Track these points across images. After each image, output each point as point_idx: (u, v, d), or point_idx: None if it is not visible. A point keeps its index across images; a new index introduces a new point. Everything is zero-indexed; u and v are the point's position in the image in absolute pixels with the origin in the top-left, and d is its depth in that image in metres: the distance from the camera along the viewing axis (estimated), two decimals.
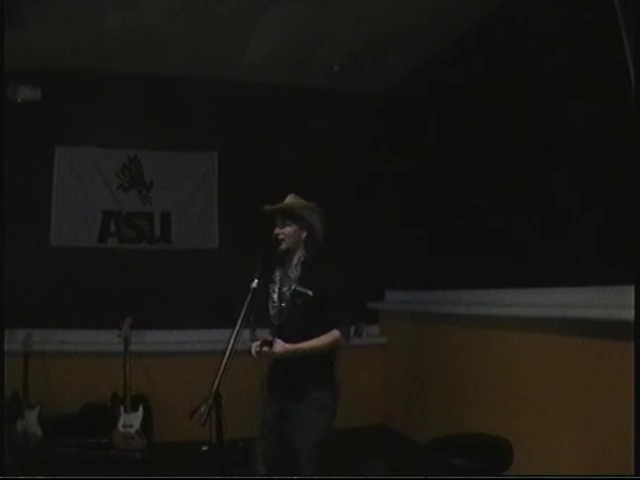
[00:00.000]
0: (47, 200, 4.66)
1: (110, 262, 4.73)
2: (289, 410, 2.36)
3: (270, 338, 2.30)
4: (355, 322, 5.02)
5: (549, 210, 3.20)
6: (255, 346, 2.32)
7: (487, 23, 3.79)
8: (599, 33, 2.78)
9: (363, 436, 4.55)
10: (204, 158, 5.04)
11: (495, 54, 3.70)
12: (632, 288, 2.09)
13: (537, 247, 3.27)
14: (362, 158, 5.25)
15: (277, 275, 2.48)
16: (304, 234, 2.47)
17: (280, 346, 2.28)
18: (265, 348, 2.26)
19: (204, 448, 3.91)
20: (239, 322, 2.08)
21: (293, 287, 2.41)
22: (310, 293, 2.38)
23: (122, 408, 4.03)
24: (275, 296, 2.44)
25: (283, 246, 2.45)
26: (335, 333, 2.37)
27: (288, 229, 2.46)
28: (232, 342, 2.03)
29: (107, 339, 4.30)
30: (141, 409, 4.08)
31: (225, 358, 2.00)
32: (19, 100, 4.43)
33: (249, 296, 2.17)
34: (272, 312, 2.44)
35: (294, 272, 2.45)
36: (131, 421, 4.01)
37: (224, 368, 1.99)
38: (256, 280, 2.24)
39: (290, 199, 2.52)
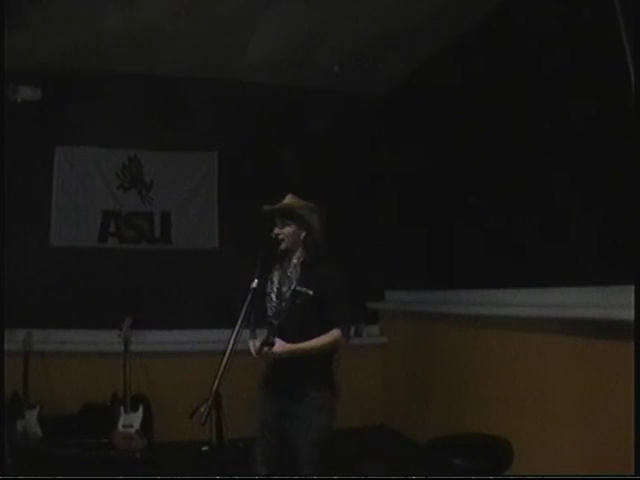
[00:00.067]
0: (47, 200, 4.66)
1: (110, 262, 4.73)
2: (289, 410, 2.36)
3: (271, 338, 2.30)
4: (355, 322, 5.02)
5: (549, 210, 3.20)
6: (254, 344, 2.32)
7: (487, 23, 3.79)
8: (599, 33, 2.78)
9: (363, 436, 4.55)
10: (204, 158, 5.04)
11: (495, 54, 3.70)
12: (632, 288, 2.09)
13: (537, 247, 3.27)
14: (362, 158, 5.25)
15: (276, 275, 2.48)
16: (303, 234, 2.48)
17: (281, 346, 2.27)
18: (266, 348, 2.26)
19: (204, 448, 3.91)
20: (239, 322, 2.08)
21: (293, 287, 2.41)
22: (311, 292, 2.38)
23: (122, 408, 4.03)
24: (274, 296, 2.44)
25: (283, 246, 2.45)
26: (336, 333, 2.37)
27: (288, 229, 2.46)
28: (232, 342, 2.03)
29: (107, 339, 4.30)
30: (141, 409, 4.08)
31: (225, 358, 2.00)
32: (19, 100, 4.43)
33: (249, 296, 2.17)
34: (271, 312, 2.44)
35: (294, 272, 2.45)
36: (131, 421, 4.01)
37: (224, 368, 1.99)
38: (256, 280, 2.24)
39: (289, 199, 2.52)
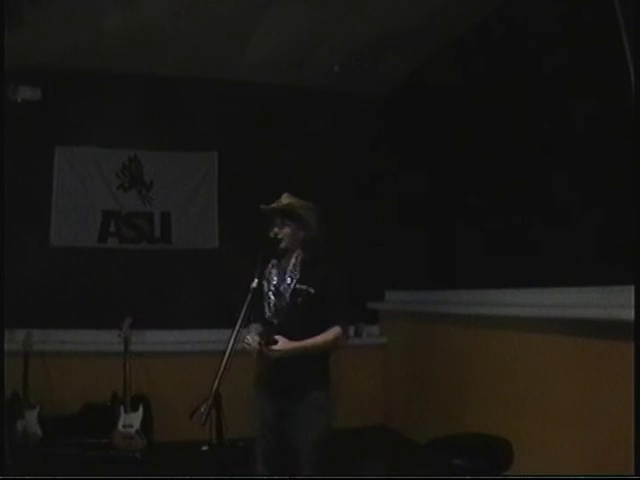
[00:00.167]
0: (47, 200, 4.66)
1: (110, 262, 4.73)
2: (289, 410, 2.36)
3: (274, 336, 2.29)
4: (355, 322, 5.03)
5: (549, 210, 3.20)
6: (252, 337, 2.31)
7: (487, 23, 3.79)
8: (599, 33, 2.78)
9: (363, 436, 4.55)
10: (204, 158, 5.04)
11: (495, 54, 3.70)
12: (632, 288, 2.09)
13: (537, 247, 3.27)
14: (362, 158, 5.25)
15: (274, 274, 2.48)
16: (302, 233, 2.48)
17: (284, 343, 2.27)
18: (270, 346, 2.25)
19: (204, 448, 3.91)
20: (239, 322, 2.07)
21: (293, 285, 2.42)
22: (312, 291, 2.39)
23: (122, 408, 4.03)
24: (272, 295, 2.44)
25: (282, 245, 2.45)
26: (336, 331, 2.37)
27: (287, 229, 2.46)
28: (232, 342, 2.03)
29: (107, 339, 4.30)
30: (141, 409, 4.08)
31: (225, 358, 1.99)
32: (19, 100, 4.43)
33: (249, 296, 2.17)
34: (269, 311, 2.43)
35: (293, 271, 2.45)
36: (131, 421, 4.01)
37: (224, 368, 1.98)
38: (256, 280, 2.24)
39: (286, 198, 2.51)
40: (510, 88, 3.52)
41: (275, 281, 2.46)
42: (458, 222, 4.14)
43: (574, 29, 2.97)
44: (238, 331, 2.06)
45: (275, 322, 2.40)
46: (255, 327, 2.42)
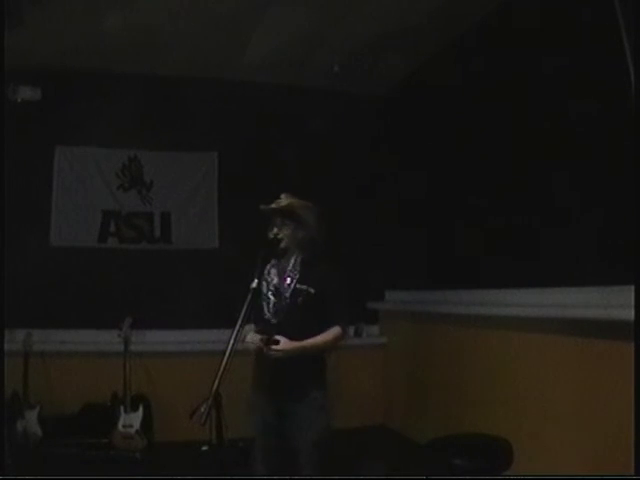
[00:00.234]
0: (47, 200, 4.66)
1: (110, 262, 4.73)
2: (289, 410, 2.36)
3: (276, 337, 2.29)
4: (355, 322, 5.03)
5: (549, 210, 3.20)
6: (253, 336, 2.31)
7: (487, 23, 3.79)
8: (599, 33, 2.78)
9: (363, 436, 4.55)
10: (204, 158, 5.04)
11: (495, 54, 3.70)
12: (632, 288, 2.09)
13: (537, 247, 3.27)
14: (362, 158, 5.25)
15: (273, 273, 2.48)
16: (302, 234, 2.48)
17: (286, 343, 2.27)
18: (273, 346, 2.26)
19: (204, 448, 3.91)
20: (239, 322, 2.07)
21: (293, 286, 2.42)
22: (312, 291, 2.39)
23: (122, 408, 4.03)
24: (271, 295, 2.44)
25: (282, 245, 2.45)
26: (336, 331, 2.38)
27: (287, 229, 2.46)
28: (232, 342, 2.03)
29: (107, 339, 4.30)
30: (141, 409, 4.08)
31: (225, 358, 1.99)
32: (19, 100, 4.43)
33: (249, 296, 2.17)
34: (268, 311, 2.43)
35: (293, 271, 2.45)
36: (131, 421, 4.01)
37: (224, 368, 1.98)
38: (256, 280, 2.23)
39: (285, 199, 2.51)
40: (510, 88, 3.52)
41: (275, 281, 2.46)
42: (458, 222, 4.14)
43: (574, 29, 2.97)
44: (238, 331, 2.06)
45: (274, 322, 2.40)
46: (249, 328, 2.41)
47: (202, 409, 1.98)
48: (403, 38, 4.21)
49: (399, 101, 5.22)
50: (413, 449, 4.16)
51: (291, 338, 2.29)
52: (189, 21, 4.01)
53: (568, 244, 3.00)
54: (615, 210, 2.69)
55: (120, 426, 3.99)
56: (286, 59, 4.66)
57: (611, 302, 2.57)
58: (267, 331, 2.33)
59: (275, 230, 2.45)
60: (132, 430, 3.98)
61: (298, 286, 2.41)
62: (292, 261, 2.47)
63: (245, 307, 2.12)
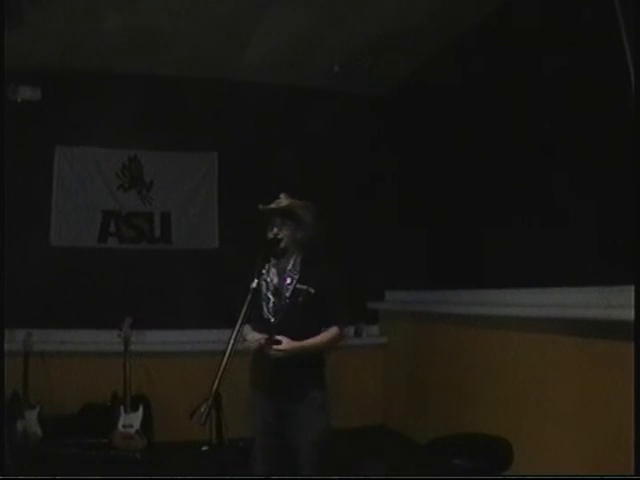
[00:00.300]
0: (47, 200, 4.66)
1: (110, 262, 4.73)
2: (289, 410, 2.36)
3: (277, 336, 2.29)
4: (355, 322, 5.03)
5: (549, 210, 3.20)
6: (253, 335, 2.31)
7: (487, 23, 3.79)
8: (599, 33, 2.78)
9: (363, 436, 4.55)
10: (204, 158, 5.04)
11: (495, 54, 3.70)
12: (632, 288, 2.09)
13: (537, 247, 3.27)
14: (362, 158, 5.25)
15: (273, 273, 2.48)
16: (301, 234, 2.48)
17: (288, 343, 2.28)
18: (275, 346, 2.26)
19: (204, 448, 3.91)
20: (239, 322, 2.07)
21: (293, 285, 2.42)
22: (312, 291, 2.40)
23: (122, 408, 4.03)
24: (271, 294, 2.44)
25: (282, 245, 2.45)
26: (335, 331, 2.40)
27: (287, 229, 2.46)
28: (232, 342, 2.03)
29: (107, 339, 4.29)
30: (141, 409, 4.08)
31: (225, 358, 1.99)
32: (19, 100, 4.43)
33: (249, 296, 2.17)
34: (268, 311, 2.43)
35: (293, 270, 2.46)
36: (131, 421, 4.01)
37: (224, 368, 1.98)
38: (256, 280, 2.23)
39: (285, 199, 2.51)
40: (510, 88, 3.52)
41: (275, 281, 2.46)
42: (458, 222, 4.14)
43: (574, 29, 2.97)
44: (238, 331, 2.06)
45: (274, 322, 2.40)
46: (247, 328, 2.41)
47: (202, 409, 1.98)
48: (403, 38, 4.21)
49: (399, 101, 5.21)
50: (413, 449, 4.16)
51: (291, 338, 2.29)
52: (189, 21, 4.01)
53: (568, 244, 3.00)
54: (615, 210, 2.69)
55: (120, 426, 3.99)
56: (286, 59, 4.66)
57: (611, 302, 2.57)
58: (267, 331, 2.33)
59: (275, 230, 2.45)
60: (132, 430, 3.98)
61: (298, 286, 2.41)
62: (292, 261, 2.47)
63: (245, 307, 2.12)
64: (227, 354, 2.00)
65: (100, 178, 4.81)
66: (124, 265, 4.75)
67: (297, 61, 4.70)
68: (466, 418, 3.72)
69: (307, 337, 2.34)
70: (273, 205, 2.47)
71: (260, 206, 2.48)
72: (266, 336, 2.29)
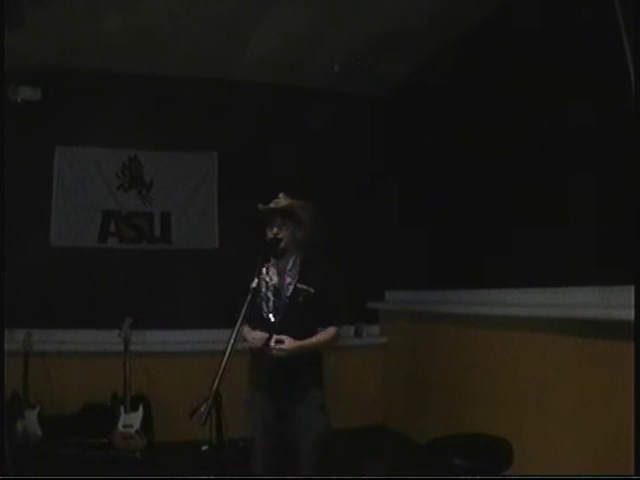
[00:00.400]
0: (47, 200, 4.66)
1: (110, 262, 4.73)
2: (289, 410, 2.36)
3: (282, 336, 2.29)
4: (355, 322, 5.04)
5: (549, 210, 3.20)
6: (255, 334, 2.32)
7: (487, 23, 3.79)
8: (599, 33, 2.78)
9: (363, 436, 4.55)
10: (204, 158, 5.04)
11: (495, 54, 3.70)
12: (632, 288, 2.09)
13: (537, 247, 3.27)
14: (362, 158, 5.25)
15: (272, 272, 2.48)
16: (301, 233, 2.49)
17: (292, 342, 2.28)
18: (279, 345, 2.26)
19: (204, 448, 3.90)
20: (239, 322, 2.07)
21: (294, 285, 2.42)
22: (312, 290, 2.41)
23: (122, 408, 4.03)
24: (270, 294, 2.44)
25: (282, 245, 2.45)
26: (334, 330, 2.43)
27: (286, 229, 2.46)
28: (232, 342, 2.03)
29: (107, 339, 4.30)
30: (141, 409, 4.08)
31: (225, 358, 1.99)
32: (19, 100, 4.43)
33: (249, 296, 2.17)
34: (268, 310, 2.43)
35: (293, 270, 2.46)
36: (131, 421, 4.01)
37: (224, 368, 1.98)
38: (256, 280, 2.24)
39: (284, 199, 2.51)
40: (509, 88, 3.52)
41: (274, 281, 2.46)
42: (458, 222, 4.14)
43: (574, 29, 2.97)
44: (238, 331, 2.06)
45: (274, 321, 2.40)
46: (247, 328, 2.40)
47: (202, 409, 1.98)
48: (403, 38, 4.21)
49: (399, 101, 5.21)
50: (413, 449, 4.16)
51: (292, 337, 2.30)
52: (189, 21, 4.01)
53: (568, 244, 3.00)
54: (615, 210, 2.69)
55: (120, 426, 3.99)
56: (286, 59, 4.66)
57: (611, 302, 2.58)
58: (267, 330, 2.34)
59: (275, 230, 2.46)
60: (132, 430, 3.99)
61: (299, 286, 2.43)
62: (291, 261, 2.48)
63: (245, 307, 2.12)
64: (227, 354, 2.00)
65: (100, 178, 4.81)
66: (124, 265, 4.75)
67: (297, 61, 4.71)
68: (466, 418, 3.72)
69: (306, 336, 2.35)
70: (272, 205, 2.47)
71: (260, 205, 2.48)
72: (267, 335, 2.29)
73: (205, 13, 3.90)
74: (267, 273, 2.47)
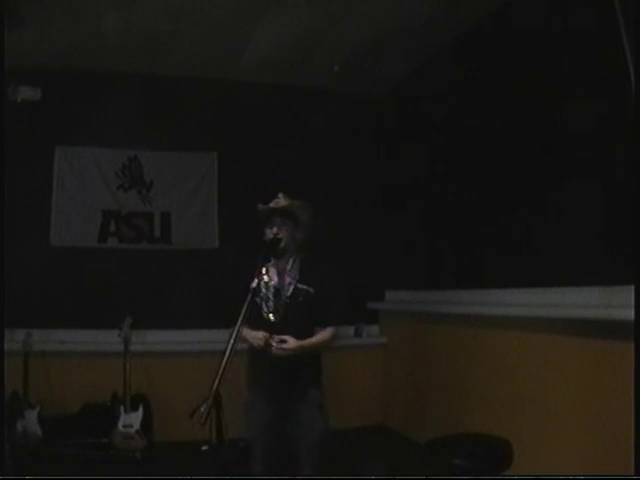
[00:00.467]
0: (47, 200, 4.66)
1: (110, 262, 4.73)
2: (290, 410, 2.36)
3: (284, 336, 2.30)
4: (355, 322, 5.03)
5: (549, 210, 3.20)
6: (256, 334, 2.32)
7: (487, 23, 3.79)
8: (599, 33, 2.77)
9: (363, 436, 4.55)
10: (204, 158, 5.04)
11: (495, 54, 3.70)
12: (632, 288, 2.09)
13: (537, 247, 3.27)
14: (362, 158, 5.25)
15: (272, 272, 2.48)
16: (300, 234, 2.49)
17: (294, 342, 2.28)
18: (280, 344, 2.26)
19: (204, 448, 3.90)
20: (239, 322, 2.07)
21: (294, 285, 2.43)
22: (312, 290, 2.42)
23: (122, 408, 4.03)
24: (270, 294, 2.44)
25: (282, 245, 2.45)
26: (332, 330, 2.44)
27: (286, 229, 2.46)
28: (232, 342, 2.03)
29: (107, 339, 4.30)
30: (141, 409, 4.07)
31: (225, 358, 1.99)
32: (19, 100, 4.42)
33: (249, 296, 2.17)
34: (268, 310, 2.43)
35: (292, 271, 2.46)
36: (131, 421, 4.01)
37: (224, 368, 1.98)
38: (256, 280, 2.24)
39: (284, 199, 2.51)
40: (509, 88, 3.52)
41: (274, 281, 2.47)
42: (458, 222, 4.14)
43: (574, 29, 2.97)
44: (238, 331, 2.06)
45: (274, 321, 2.40)
46: (246, 329, 2.40)
47: (202, 409, 1.98)
48: (403, 38, 4.21)
49: (399, 101, 5.21)
50: (413, 449, 4.16)
51: (293, 337, 2.30)
52: (189, 21, 4.01)
53: (568, 243, 3.00)
54: (615, 210, 2.68)
55: (120, 426, 3.99)
56: (286, 59, 4.66)
57: (611, 302, 2.58)
58: (267, 330, 2.34)
59: (275, 230, 2.46)
60: (132, 430, 3.98)
61: (299, 286, 2.43)
62: (291, 261, 2.48)
63: (245, 307, 2.12)
64: (227, 354, 2.00)
65: (100, 178, 4.81)
66: (124, 265, 4.75)
67: (297, 61, 4.71)
68: (466, 418, 3.72)
69: (305, 336, 2.35)
70: (272, 205, 2.47)
71: (259, 206, 2.49)
72: (268, 335, 2.29)
73: (205, 13, 3.90)
74: (267, 273, 2.47)
